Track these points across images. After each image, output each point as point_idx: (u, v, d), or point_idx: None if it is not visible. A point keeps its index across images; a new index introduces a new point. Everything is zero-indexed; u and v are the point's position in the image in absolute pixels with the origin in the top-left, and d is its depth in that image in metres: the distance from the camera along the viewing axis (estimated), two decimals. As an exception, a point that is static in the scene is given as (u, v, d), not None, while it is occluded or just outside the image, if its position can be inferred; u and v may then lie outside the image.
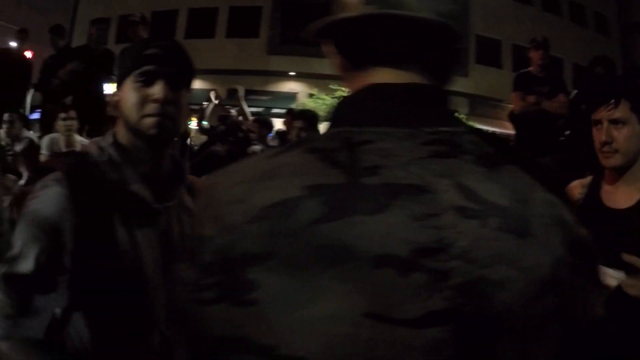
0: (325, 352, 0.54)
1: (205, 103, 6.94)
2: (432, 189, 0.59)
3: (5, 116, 5.64)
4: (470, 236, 0.58)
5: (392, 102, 0.67)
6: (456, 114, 0.76)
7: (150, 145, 1.32)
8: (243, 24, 22.26)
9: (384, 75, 0.69)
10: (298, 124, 4.74)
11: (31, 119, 8.68)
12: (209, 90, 25.12)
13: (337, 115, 0.71)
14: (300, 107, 19.66)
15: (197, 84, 22.83)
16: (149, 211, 1.30)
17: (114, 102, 1.33)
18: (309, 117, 4.83)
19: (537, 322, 0.60)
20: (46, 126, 6.80)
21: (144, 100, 1.27)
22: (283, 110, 21.56)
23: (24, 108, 7.71)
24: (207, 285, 0.59)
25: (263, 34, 22.37)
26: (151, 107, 1.27)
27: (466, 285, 0.57)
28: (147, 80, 1.29)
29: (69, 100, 6.67)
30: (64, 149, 4.91)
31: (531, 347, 0.60)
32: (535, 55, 5.55)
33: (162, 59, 1.32)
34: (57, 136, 5.07)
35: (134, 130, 1.29)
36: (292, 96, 21.94)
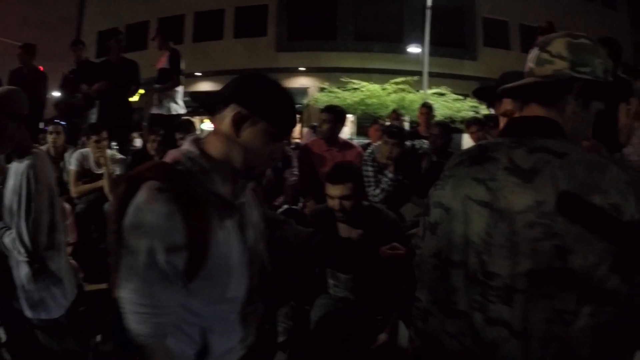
0: None
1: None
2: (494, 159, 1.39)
3: (51, 127, 5.72)
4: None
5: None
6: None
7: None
8: (250, 24, 22.40)
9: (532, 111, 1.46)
10: (323, 116, 4.96)
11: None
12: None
13: (505, 129, 1.48)
14: (312, 102, 19.75)
15: (209, 86, 23.02)
16: (230, 206, 1.56)
17: (238, 121, 1.51)
18: (335, 112, 5.00)
19: None
20: (72, 140, 7.00)
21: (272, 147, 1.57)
22: (296, 106, 21.73)
23: (42, 121, 7.90)
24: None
25: (270, 31, 22.49)
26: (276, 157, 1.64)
27: None
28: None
29: (93, 114, 6.85)
30: (94, 167, 5.06)
31: None
32: None
33: None
34: (88, 152, 5.14)
35: (247, 165, 1.55)
36: (303, 91, 22.10)
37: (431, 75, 18.80)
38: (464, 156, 1.47)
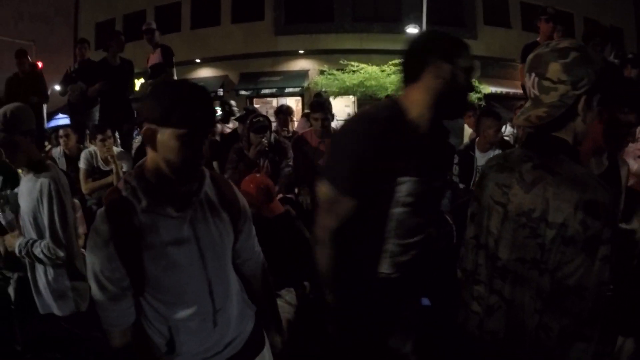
0: None
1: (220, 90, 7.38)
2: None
3: (61, 131, 6.08)
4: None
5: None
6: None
7: None
8: (247, 8, 22.28)
9: None
10: (316, 115, 5.08)
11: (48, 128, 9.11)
12: (220, 77, 24.62)
13: (525, 142, 1.80)
14: (312, 85, 19.74)
15: (209, 72, 23.05)
16: (175, 222, 1.71)
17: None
18: (323, 108, 5.14)
19: None
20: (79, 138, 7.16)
21: None
22: (296, 89, 21.78)
23: (42, 119, 8.07)
24: None
25: (268, 15, 22.32)
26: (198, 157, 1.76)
27: None
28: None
29: (96, 112, 7.04)
30: (102, 164, 5.28)
31: None
32: (545, 27, 5.56)
33: None
34: (95, 150, 5.30)
35: (174, 173, 1.70)
36: (303, 74, 22.07)
37: (430, 54, 18.78)
38: (494, 162, 1.89)
